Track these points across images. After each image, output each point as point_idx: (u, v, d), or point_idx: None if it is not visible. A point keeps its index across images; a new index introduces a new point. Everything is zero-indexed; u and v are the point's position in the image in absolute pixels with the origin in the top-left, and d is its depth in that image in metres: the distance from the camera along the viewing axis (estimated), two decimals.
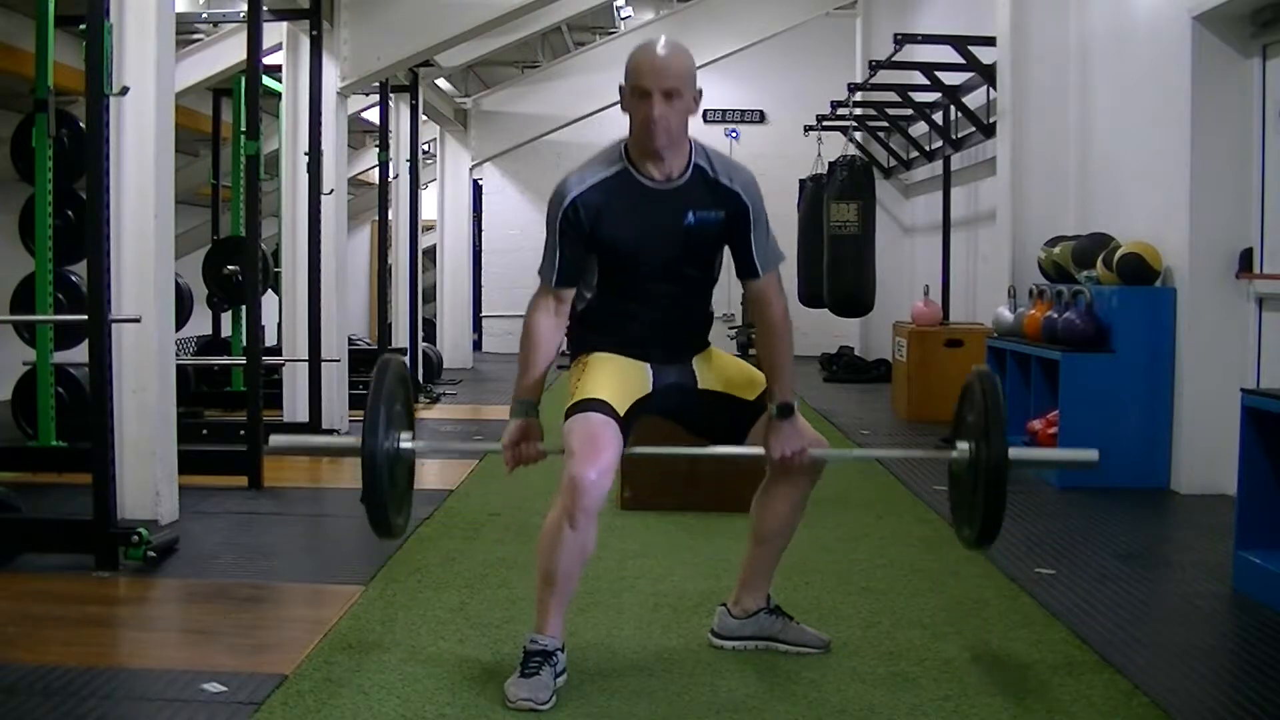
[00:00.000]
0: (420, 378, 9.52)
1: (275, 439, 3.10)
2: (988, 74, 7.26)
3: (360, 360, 8.34)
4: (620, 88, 2.72)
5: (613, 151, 2.78)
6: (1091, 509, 4.85)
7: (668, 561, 3.97)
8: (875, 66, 8.47)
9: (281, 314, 7.28)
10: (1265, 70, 4.92)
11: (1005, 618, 3.33)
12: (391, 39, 6.99)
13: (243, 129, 7.14)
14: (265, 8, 5.72)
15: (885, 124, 10.49)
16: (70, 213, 5.51)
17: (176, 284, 5.32)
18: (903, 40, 7.61)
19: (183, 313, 7.02)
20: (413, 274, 9.94)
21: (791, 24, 11.39)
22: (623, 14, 12.94)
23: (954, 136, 8.87)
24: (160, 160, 4.35)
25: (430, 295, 12.42)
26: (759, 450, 2.82)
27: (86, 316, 3.84)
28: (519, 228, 14.34)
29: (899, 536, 4.41)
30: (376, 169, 8.85)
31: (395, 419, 2.82)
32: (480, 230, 14.38)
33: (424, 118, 10.38)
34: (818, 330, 12.80)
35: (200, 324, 8.68)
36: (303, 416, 6.48)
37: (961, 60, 7.37)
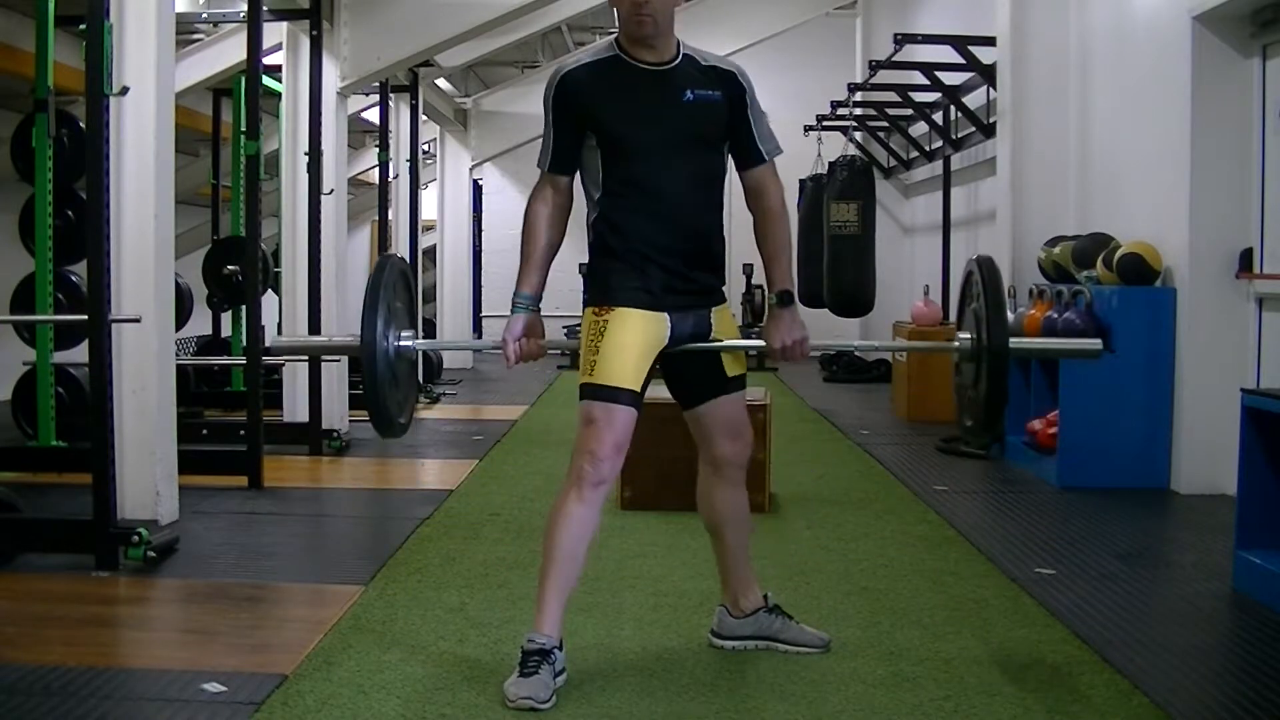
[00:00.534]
0: (420, 378, 9.52)
1: (275, 340, 3.11)
2: (988, 74, 7.26)
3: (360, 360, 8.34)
4: None
5: (605, 43, 2.82)
6: (1091, 509, 4.85)
7: (668, 561, 3.97)
8: (875, 66, 8.47)
9: (281, 314, 7.28)
10: (1265, 70, 4.92)
11: (1005, 618, 3.33)
12: (391, 39, 6.98)
13: (243, 129, 7.14)
14: (265, 8, 5.72)
15: (885, 124, 10.49)
16: (70, 213, 5.51)
17: (176, 284, 5.32)
18: (903, 40, 7.61)
19: (183, 313, 7.02)
20: (413, 274, 9.94)
21: (791, 24, 11.40)
22: None
23: (954, 136, 8.87)
24: (160, 160, 4.35)
25: (430, 295, 12.42)
26: (760, 343, 2.84)
27: (86, 316, 3.84)
28: (519, 228, 14.21)
29: (899, 536, 4.40)
30: (376, 169, 8.85)
31: (395, 315, 2.82)
32: (480, 230, 14.38)
33: (424, 118, 10.38)
34: (818, 330, 12.75)
35: (200, 324, 8.68)
36: (303, 416, 6.48)
37: (961, 60, 7.37)
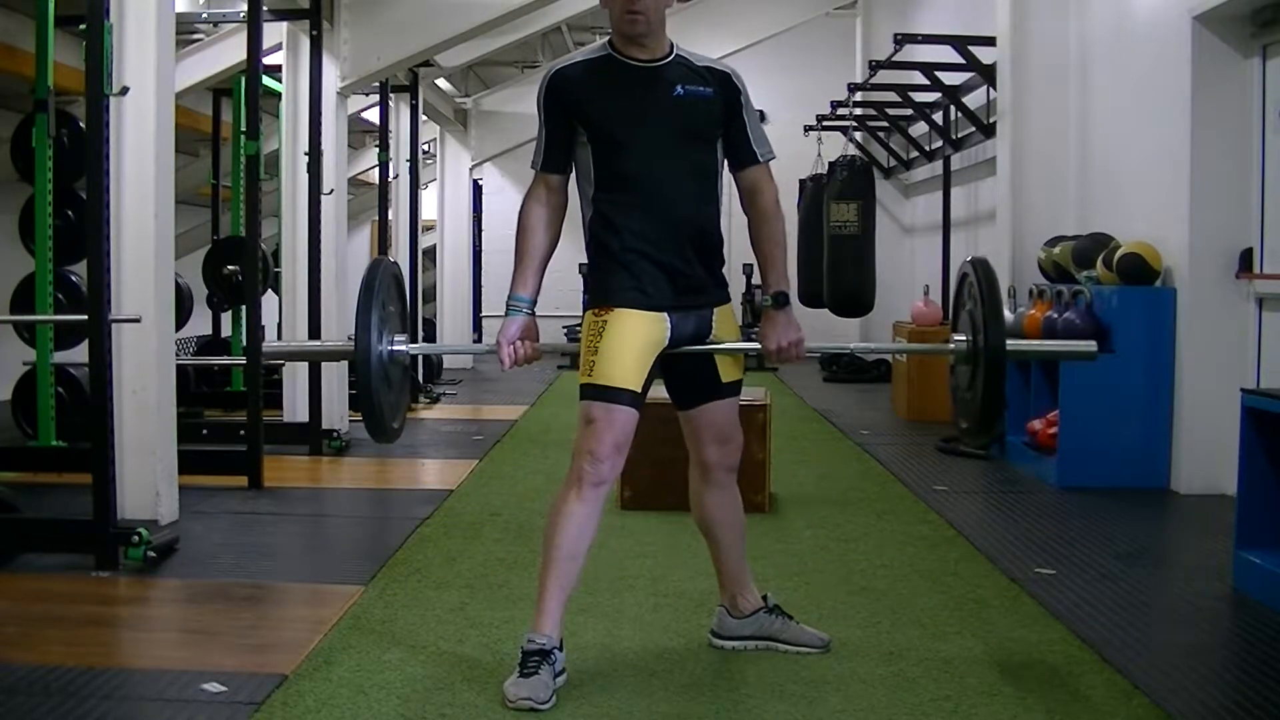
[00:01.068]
0: (420, 378, 9.53)
1: (268, 345, 3.08)
2: (988, 74, 7.26)
3: None
4: None
5: (598, 44, 2.85)
6: (1091, 509, 4.85)
7: (668, 561, 3.97)
8: (875, 66, 8.47)
9: (281, 314, 7.28)
10: (1265, 70, 4.92)
11: (1005, 618, 3.33)
12: (391, 39, 6.98)
13: (243, 129, 7.14)
14: (265, 8, 5.72)
15: (885, 124, 10.49)
16: (70, 213, 5.51)
17: (176, 284, 5.32)
18: (903, 40, 7.61)
19: (183, 313, 7.02)
20: (413, 274, 9.93)
21: (791, 24, 11.39)
22: None
23: (954, 136, 8.87)
24: (160, 160, 4.35)
25: (430, 295, 12.41)
26: (755, 345, 2.83)
27: (86, 316, 3.84)
28: None
29: (899, 536, 4.41)
30: (376, 169, 8.84)
31: (388, 320, 2.81)
32: (480, 230, 14.37)
33: (424, 118, 10.37)
34: (818, 330, 12.77)
35: (200, 324, 8.68)
36: (303, 416, 6.48)
37: (961, 60, 7.37)
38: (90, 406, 3.89)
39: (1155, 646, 3.10)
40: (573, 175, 2.86)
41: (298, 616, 3.38)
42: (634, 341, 2.72)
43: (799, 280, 10.26)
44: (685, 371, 2.87)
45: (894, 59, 7.97)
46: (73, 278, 5.79)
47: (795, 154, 11.35)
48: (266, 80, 6.38)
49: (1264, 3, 4.79)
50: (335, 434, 6.39)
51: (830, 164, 9.04)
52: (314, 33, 6.43)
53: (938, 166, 9.38)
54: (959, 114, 8.47)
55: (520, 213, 2.84)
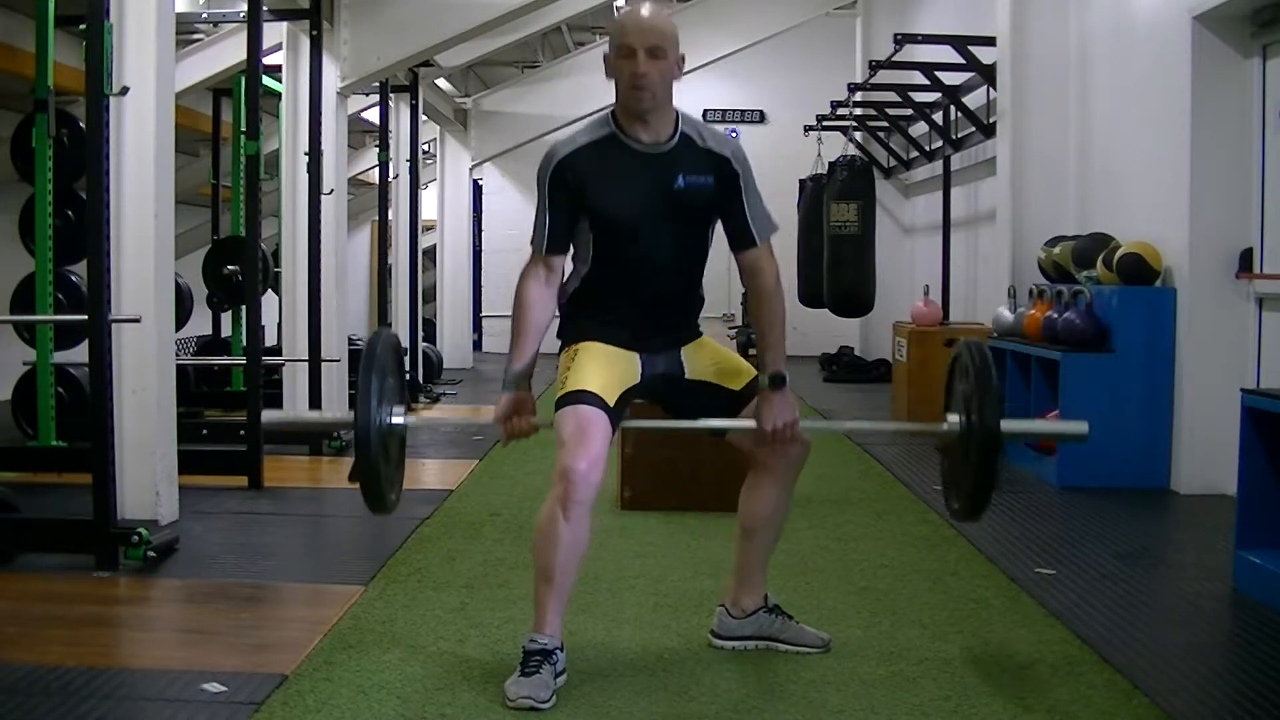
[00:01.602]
0: (420, 378, 9.53)
1: (267, 414, 3.10)
2: (988, 74, 7.26)
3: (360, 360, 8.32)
4: (604, 55, 2.75)
5: (601, 118, 2.80)
6: (1091, 509, 4.85)
7: (668, 561, 3.97)
8: (875, 66, 8.47)
9: (281, 314, 7.28)
10: (1265, 70, 4.92)
11: (1005, 618, 3.33)
12: (391, 39, 6.99)
13: (243, 129, 7.14)
14: (265, 8, 5.72)
15: (885, 124, 10.49)
16: (70, 213, 5.51)
17: (176, 284, 5.31)
18: (903, 40, 7.61)
19: (183, 313, 7.02)
20: (413, 274, 9.94)
21: (791, 24, 11.39)
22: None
23: (954, 136, 8.87)
24: (160, 160, 4.35)
25: (430, 295, 12.41)
26: (750, 423, 2.82)
27: (86, 316, 3.84)
28: (519, 228, 14.29)
29: (899, 536, 4.41)
30: (376, 169, 8.84)
31: (388, 393, 2.81)
32: (480, 230, 14.38)
33: (424, 118, 10.37)
34: (818, 330, 12.79)
35: (200, 324, 8.68)
36: None
37: (961, 60, 7.37)
38: (90, 406, 3.88)
39: (1155, 646, 3.10)
40: None
41: (298, 616, 3.38)
42: (604, 364, 2.77)
43: (799, 280, 10.27)
44: (700, 406, 2.89)
45: (894, 59, 7.97)
46: (73, 278, 5.79)
47: (795, 154, 11.40)
48: (266, 80, 6.37)
49: (1264, 3, 4.79)
50: (336, 434, 6.38)
51: (830, 164, 9.05)
52: (314, 33, 6.43)
53: (938, 166, 9.37)
54: (959, 114, 8.46)
55: (519, 289, 2.83)
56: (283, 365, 6.97)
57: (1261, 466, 3.55)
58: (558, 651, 2.69)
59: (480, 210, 14.37)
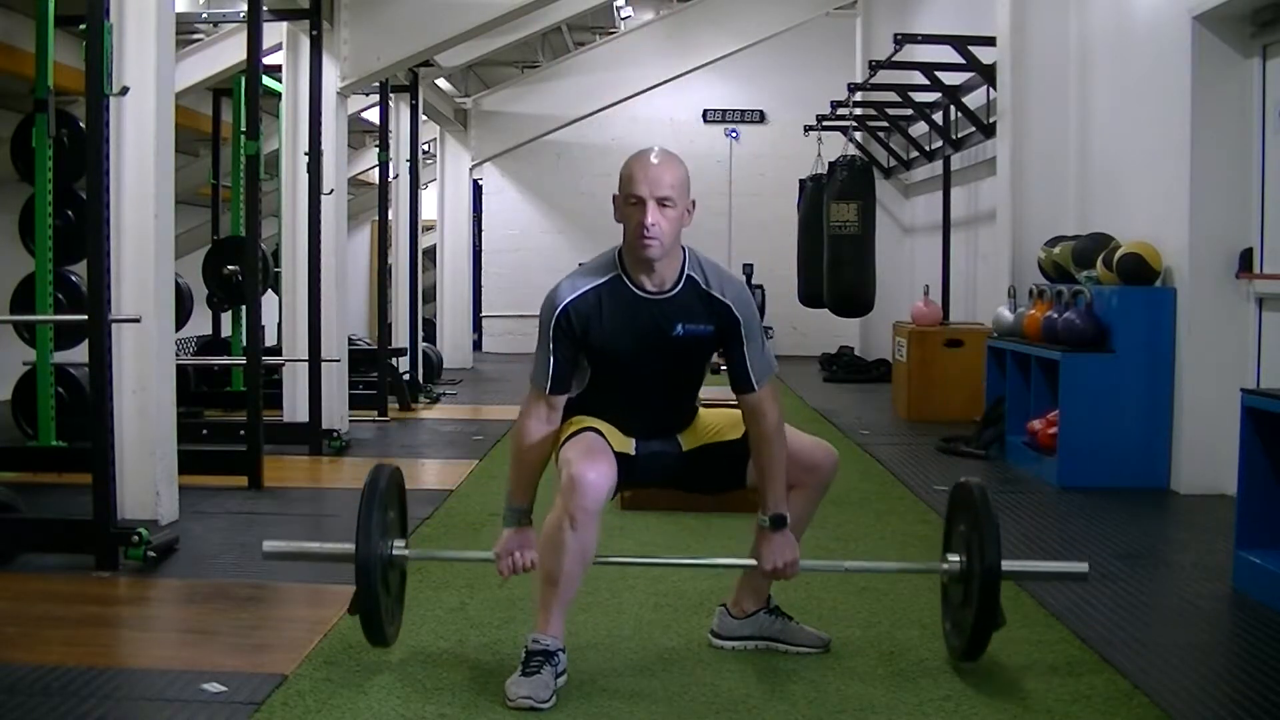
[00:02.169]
0: (420, 378, 9.53)
1: (269, 545, 3.07)
2: (988, 74, 7.26)
3: (360, 360, 8.34)
4: (614, 196, 2.75)
5: (607, 259, 2.79)
6: (1091, 509, 4.85)
7: None
8: (875, 66, 8.47)
9: (281, 314, 7.28)
10: (1265, 70, 4.92)
11: (1003, 608, 3.32)
12: (391, 39, 6.98)
13: (243, 129, 7.14)
14: (265, 8, 5.72)
15: (885, 124, 10.50)
16: (70, 213, 5.51)
17: (176, 284, 5.31)
18: (903, 40, 7.61)
19: (183, 313, 7.02)
20: (413, 274, 9.94)
21: (791, 24, 11.40)
22: (623, 14, 12.94)
23: (954, 136, 8.87)
24: (160, 160, 4.35)
25: (430, 295, 12.42)
26: (751, 562, 2.87)
27: (86, 316, 3.84)
28: (519, 228, 14.34)
29: (899, 536, 4.41)
30: (376, 169, 8.85)
31: (389, 526, 2.87)
32: (480, 230, 14.38)
33: (424, 118, 10.38)
34: (818, 330, 12.80)
35: (200, 324, 8.68)
36: (303, 417, 6.48)
37: (961, 60, 7.38)
38: (90, 406, 3.88)
39: (1155, 646, 3.10)
40: None
41: (298, 616, 3.38)
42: (603, 426, 2.82)
43: (799, 281, 10.28)
44: (705, 473, 2.94)
45: (894, 59, 7.98)
46: (73, 278, 5.79)
47: (795, 154, 11.43)
48: (266, 80, 6.38)
49: (1264, 3, 4.79)
50: (335, 434, 6.38)
51: (830, 164, 9.05)
52: (314, 33, 6.44)
53: (938, 166, 9.38)
54: (959, 114, 8.47)
55: (520, 427, 2.83)
56: (283, 365, 6.97)
57: (1261, 466, 3.56)
58: (559, 653, 2.69)
59: (480, 210, 14.37)
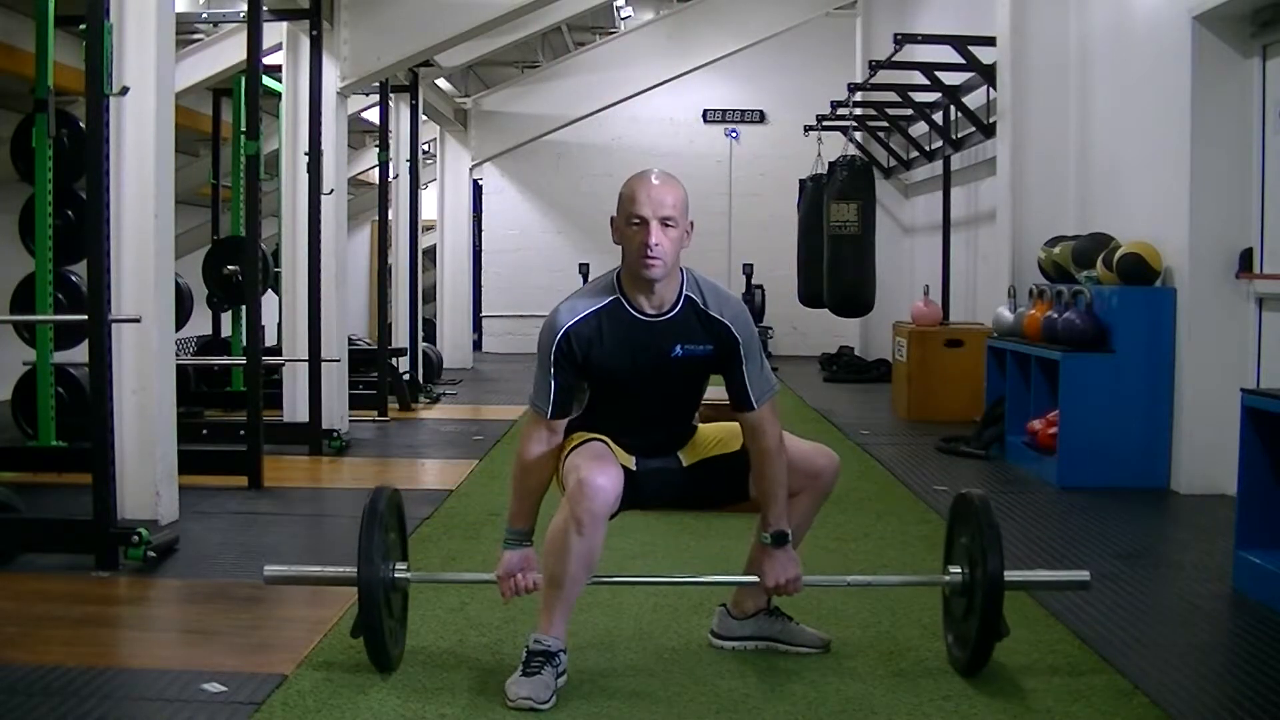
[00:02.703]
0: (420, 378, 9.53)
1: (270, 570, 3.06)
2: (988, 74, 7.26)
3: (360, 360, 8.34)
4: (611, 219, 2.75)
5: (606, 282, 2.80)
6: (1091, 509, 4.85)
7: (668, 561, 3.97)
8: (875, 66, 8.47)
9: (281, 314, 7.28)
10: (1265, 70, 4.92)
11: (1005, 618, 3.32)
12: (391, 39, 6.99)
13: (243, 129, 7.14)
14: (265, 8, 5.72)
15: (885, 124, 10.50)
16: (70, 213, 5.51)
17: (176, 284, 5.31)
18: (903, 40, 7.61)
19: (183, 313, 7.02)
20: (413, 274, 9.94)
21: (791, 24, 11.40)
22: (623, 14, 12.95)
23: (954, 136, 8.87)
24: (160, 160, 4.35)
25: (430, 295, 12.42)
26: (754, 579, 2.88)
27: (86, 316, 3.84)
28: (519, 228, 14.34)
29: (899, 536, 4.41)
30: (376, 169, 8.85)
31: (390, 548, 2.87)
32: (480, 230, 14.38)
33: (424, 118, 10.38)
34: (818, 330, 12.81)
35: (200, 324, 8.68)
36: (303, 416, 6.48)
37: (961, 60, 7.38)
38: (90, 406, 3.88)
39: (1155, 646, 3.10)
40: None
41: (298, 616, 3.38)
42: (606, 441, 2.82)
43: (799, 280, 10.28)
44: (708, 486, 2.94)
45: (894, 59, 7.98)
46: (73, 278, 5.78)
47: (795, 154, 11.42)
48: (266, 80, 6.38)
49: (1264, 3, 4.79)
50: (335, 434, 6.38)
51: (830, 164, 9.05)
52: (314, 33, 6.44)
53: (938, 166, 9.38)
54: (959, 114, 8.47)
55: (521, 451, 2.84)
56: (283, 365, 6.97)
57: (1261, 466, 3.56)
58: (561, 654, 2.69)
59: (480, 210, 14.37)
